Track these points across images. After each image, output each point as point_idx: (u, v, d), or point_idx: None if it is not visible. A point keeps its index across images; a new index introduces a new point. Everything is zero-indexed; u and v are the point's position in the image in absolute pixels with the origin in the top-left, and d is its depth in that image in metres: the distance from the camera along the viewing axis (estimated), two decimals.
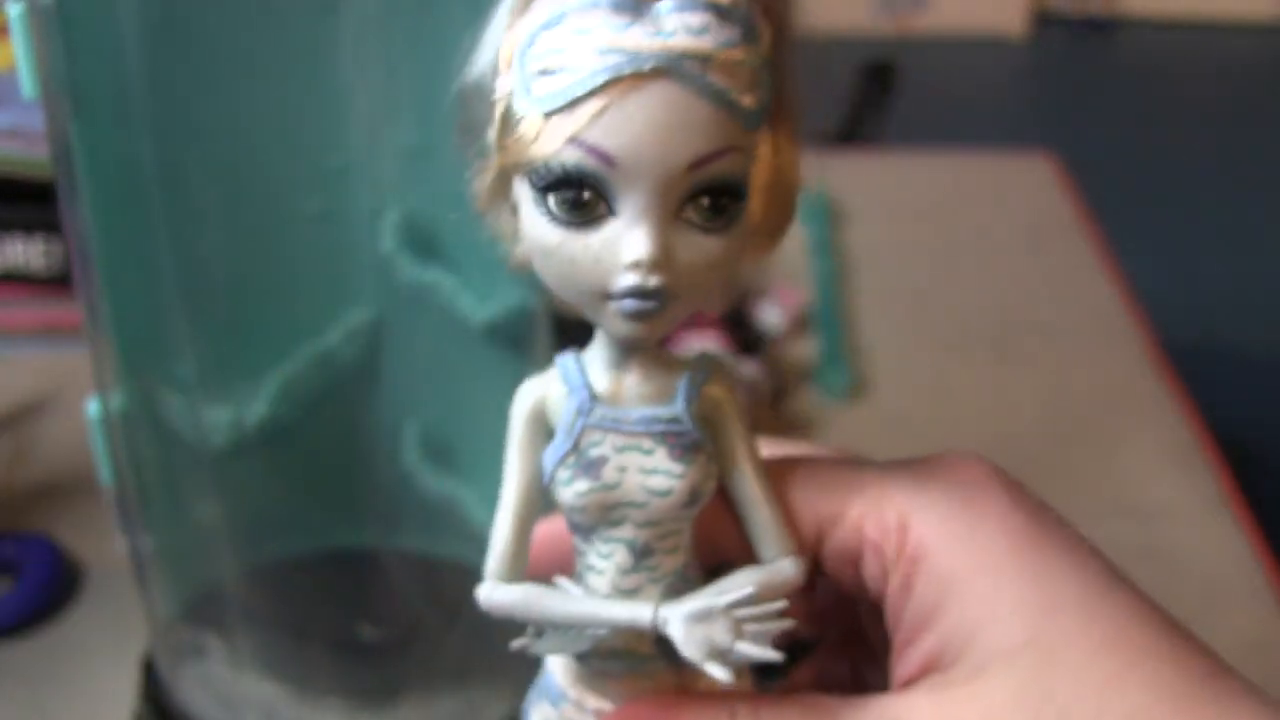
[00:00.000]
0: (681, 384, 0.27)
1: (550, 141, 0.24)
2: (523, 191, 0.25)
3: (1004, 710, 0.25)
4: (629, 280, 0.24)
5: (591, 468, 0.27)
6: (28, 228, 0.74)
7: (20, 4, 0.40)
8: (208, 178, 0.43)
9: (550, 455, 0.27)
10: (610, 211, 0.24)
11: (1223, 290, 1.86)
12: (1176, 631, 0.26)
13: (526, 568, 0.29)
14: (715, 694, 0.29)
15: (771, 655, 0.26)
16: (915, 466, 0.29)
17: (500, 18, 0.25)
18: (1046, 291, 0.85)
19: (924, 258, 0.89)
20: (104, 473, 0.46)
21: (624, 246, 0.24)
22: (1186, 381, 0.76)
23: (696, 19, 0.23)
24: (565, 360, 0.28)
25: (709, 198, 0.24)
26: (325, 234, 0.44)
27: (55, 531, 0.61)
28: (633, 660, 0.29)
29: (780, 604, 0.27)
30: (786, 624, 0.27)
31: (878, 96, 1.54)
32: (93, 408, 0.45)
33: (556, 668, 0.30)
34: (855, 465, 0.29)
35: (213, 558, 0.48)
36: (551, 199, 0.24)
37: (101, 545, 0.59)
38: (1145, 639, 0.26)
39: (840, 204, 0.92)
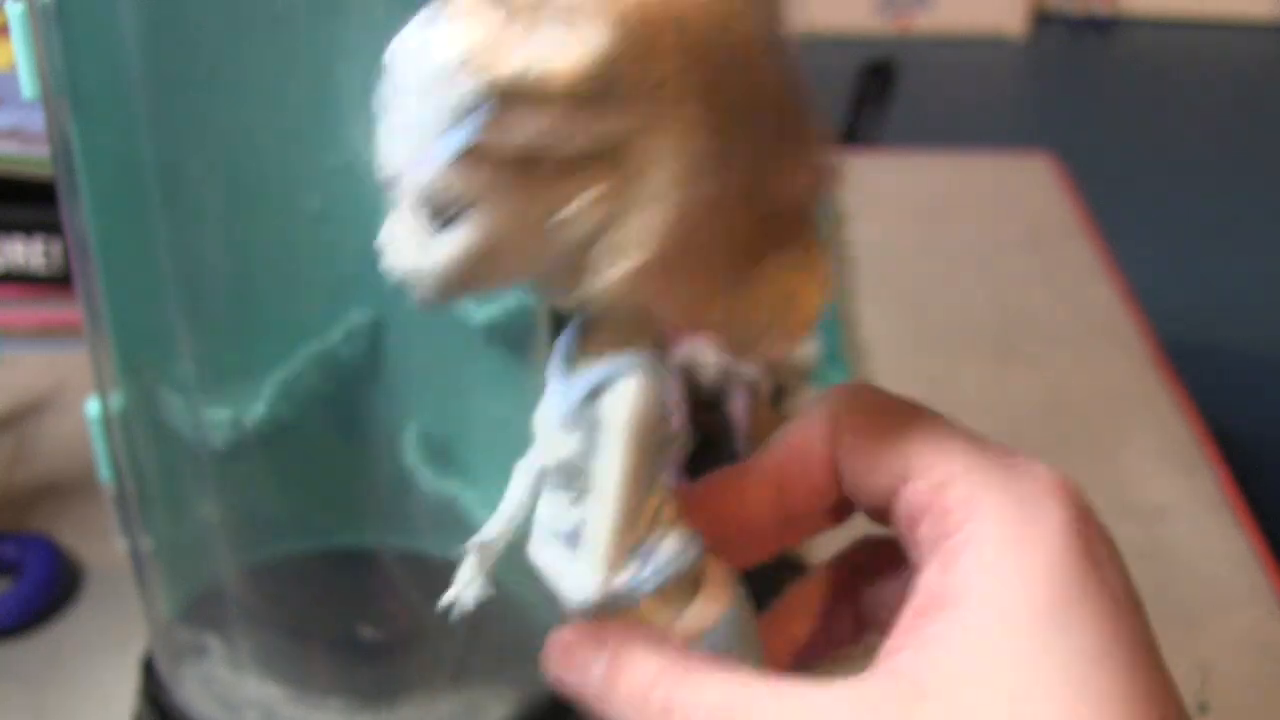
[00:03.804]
0: (600, 369, 0.29)
1: None
2: None
3: None
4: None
5: (537, 406, 0.30)
6: (28, 228, 0.74)
7: (20, 4, 0.40)
8: (207, 177, 0.43)
9: None
10: None
11: (1223, 290, 1.86)
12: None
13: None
14: (658, 638, 0.29)
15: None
16: (1009, 457, 0.29)
17: None
18: (1046, 291, 0.85)
19: (924, 258, 0.89)
20: (104, 472, 0.46)
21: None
22: (1186, 381, 0.76)
23: None
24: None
25: (425, 205, 0.27)
26: (325, 234, 0.44)
27: (55, 531, 0.61)
28: None
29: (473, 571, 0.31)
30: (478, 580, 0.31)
31: (878, 96, 1.54)
32: (93, 408, 0.45)
33: None
34: (951, 429, 0.30)
35: (213, 558, 0.48)
36: None
37: (101, 545, 0.59)
38: None
39: (840, 204, 0.92)
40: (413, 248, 0.27)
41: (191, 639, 0.48)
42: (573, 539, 0.30)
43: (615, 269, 0.26)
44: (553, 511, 0.30)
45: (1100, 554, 0.28)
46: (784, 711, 0.27)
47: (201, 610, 0.49)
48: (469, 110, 0.25)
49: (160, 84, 0.41)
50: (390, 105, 0.26)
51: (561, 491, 0.30)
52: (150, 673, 0.50)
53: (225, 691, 0.48)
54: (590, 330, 0.29)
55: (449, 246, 0.27)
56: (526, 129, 0.25)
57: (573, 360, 0.29)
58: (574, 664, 0.30)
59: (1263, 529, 0.64)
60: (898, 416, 0.30)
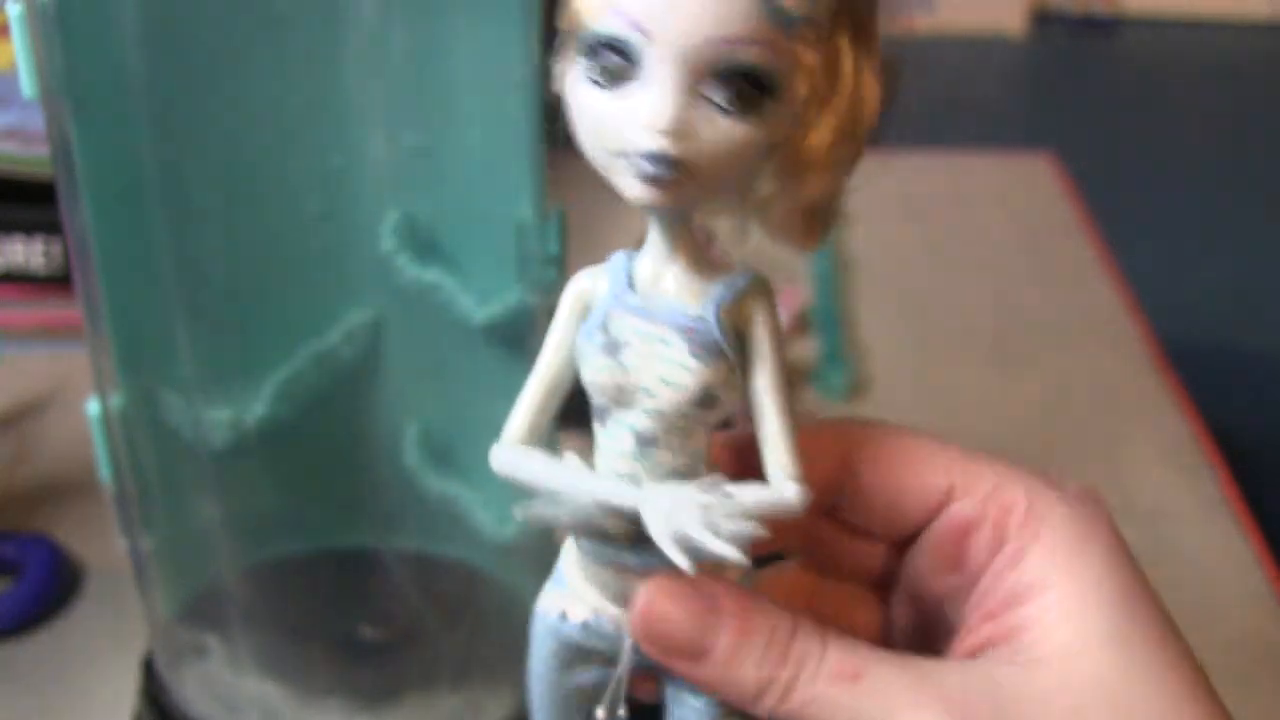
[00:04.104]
0: (717, 288, 0.28)
1: (596, 9, 0.26)
2: (573, 58, 0.27)
3: (1085, 689, 0.28)
4: (643, 141, 0.25)
5: (613, 348, 0.28)
6: (28, 228, 0.74)
7: (20, 4, 0.40)
8: (208, 178, 0.43)
9: (582, 332, 0.29)
10: (638, 77, 0.26)
11: (1223, 290, 1.86)
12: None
13: (541, 436, 0.30)
14: (776, 601, 0.30)
15: (736, 555, 0.27)
16: (1034, 470, 0.32)
17: None
18: (1046, 291, 0.85)
19: (924, 258, 0.89)
20: (104, 472, 0.46)
21: (643, 109, 0.25)
22: (1186, 381, 0.76)
23: None
24: (618, 255, 0.29)
25: (730, 81, 0.25)
26: (325, 234, 0.44)
27: (55, 531, 0.61)
28: (617, 550, 0.29)
29: (750, 506, 0.28)
30: (759, 532, 0.27)
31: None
32: (93, 408, 0.45)
33: (568, 556, 0.31)
34: (982, 452, 0.32)
35: (213, 558, 0.48)
36: (591, 63, 0.26)
37: (101, 545, 0.58)
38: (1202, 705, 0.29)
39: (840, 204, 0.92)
40: (699, 127, 0.25)
41: (191, 639, 0.48)
42: (687, 474, 0.28)
43: (846, 149, 0.29)
44: (662, 460, 0.28)
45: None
46: (907, 678, 0.28)
47: (201, 610, 0.49)
48: None
49: (160, 84, 0.41)
50: None
51: (670, 436, 0.28)
52: (150, 673, 0.50)
53: (225, 691, 0.48)
54: (670, 257, 0.28)
55: (746, 129, 0.26)
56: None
57: (659, 294, 0.28)
58: (684, 623, 0.29)
59: (1263, 529, 0.64)
60: (920, 445, 0.32)
